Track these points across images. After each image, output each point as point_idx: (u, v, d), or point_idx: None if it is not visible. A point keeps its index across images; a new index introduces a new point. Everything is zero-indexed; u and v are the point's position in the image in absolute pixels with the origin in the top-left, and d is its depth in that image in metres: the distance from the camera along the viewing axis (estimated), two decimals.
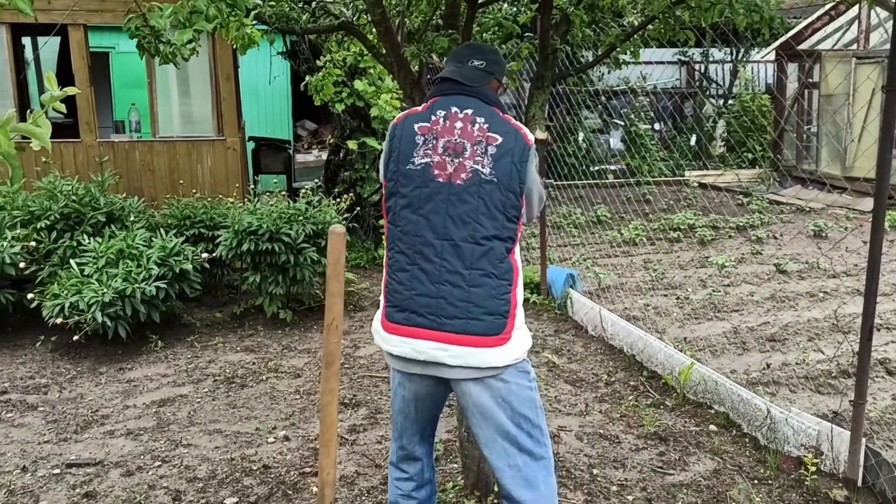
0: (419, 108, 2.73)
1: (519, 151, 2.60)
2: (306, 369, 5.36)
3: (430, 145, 2.61)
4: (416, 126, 2.65)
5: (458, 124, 2.62)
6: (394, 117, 8.82)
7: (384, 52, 3.54)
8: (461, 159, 2.58)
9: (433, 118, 2.65)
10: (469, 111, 2.64)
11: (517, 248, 2.68)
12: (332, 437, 2.23)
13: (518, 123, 2.68)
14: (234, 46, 3.34)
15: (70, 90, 1.59)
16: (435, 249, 2.56)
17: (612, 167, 12.96)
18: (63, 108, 1.55)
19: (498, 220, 2.57)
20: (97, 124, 7.54)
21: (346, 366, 5.38)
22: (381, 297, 2.71)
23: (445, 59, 2.88)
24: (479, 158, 2.58)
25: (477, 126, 2.61)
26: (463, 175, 2.57)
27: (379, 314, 2.70)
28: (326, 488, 2.22)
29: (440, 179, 2.58)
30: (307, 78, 5.44)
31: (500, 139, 2.60)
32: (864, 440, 3.66)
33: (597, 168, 12.80)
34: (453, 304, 2.53)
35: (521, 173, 2.60)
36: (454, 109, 2.65)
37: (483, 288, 2.55)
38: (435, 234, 2.56)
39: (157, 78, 7.68)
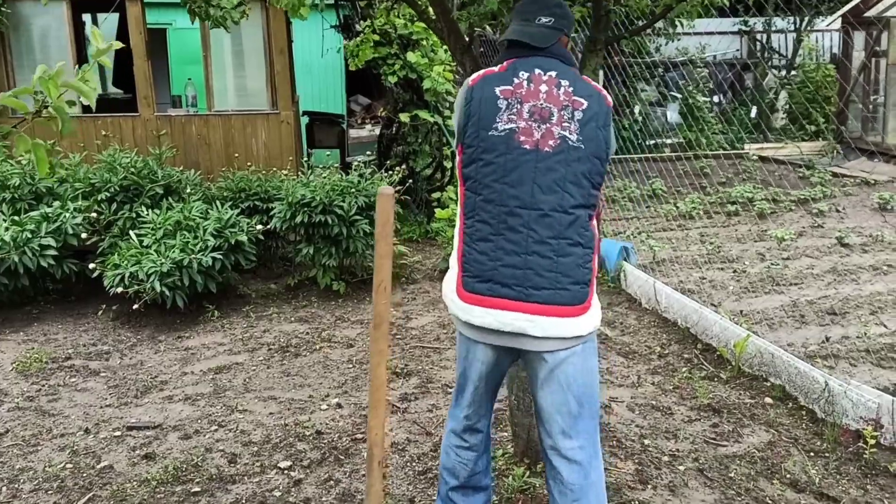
0: (495, 69, 2.59)
1: (603, 116, 2.53)
2: (359, 339, 5.42)
3: (515, 110, 2.50)
4: (497, 89, 2.52)
5: (543, 87, 2.51)
6: (446, 90, 8.65)
7: (434, 17, 3.51)
8: (548, 125, 2.48)
9: (516, 80, 2.53)
10: (553, 73, 2.53)
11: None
12: (381, 397, 2.25)
13: (597, 85, 2.58)
14: (285, 10, 3.35)
15: (117, 44, 1.60)
16: (522, 219, 2.47)
17: (669, 140, 12.70)
18: (109, 63, 1.56)
19: (584, 187, 2.50)
20: (155, 99, 7.68)
21: (398, 336, 5.41)
22: (455, 264, 2.61)
23: (511, 15, 2.72)
24: (566, 124, 2.49)
25: (562, 89, 2.51)
26: (550, 142, 2.48)
27: (453, 283, 2.61)
28: (375, 448, 2.25)
29: (526, 146, 2.48)
30: (343, 43, 5.38)
31: (585, 103, 2.51)
32: None
33: (653, 142, 12.56)
34: (541, 275, 2.47)
35: (607, 138, 2.53)
36: (538, 71, 2.53)
37: (570, 257, 2.49)
38: (522, 203, 2.47)
39: (213, 52, 7.77)
